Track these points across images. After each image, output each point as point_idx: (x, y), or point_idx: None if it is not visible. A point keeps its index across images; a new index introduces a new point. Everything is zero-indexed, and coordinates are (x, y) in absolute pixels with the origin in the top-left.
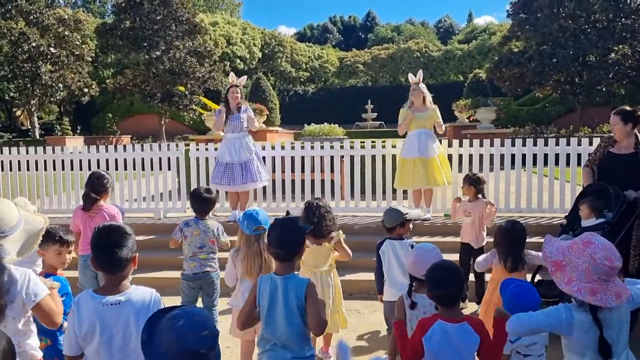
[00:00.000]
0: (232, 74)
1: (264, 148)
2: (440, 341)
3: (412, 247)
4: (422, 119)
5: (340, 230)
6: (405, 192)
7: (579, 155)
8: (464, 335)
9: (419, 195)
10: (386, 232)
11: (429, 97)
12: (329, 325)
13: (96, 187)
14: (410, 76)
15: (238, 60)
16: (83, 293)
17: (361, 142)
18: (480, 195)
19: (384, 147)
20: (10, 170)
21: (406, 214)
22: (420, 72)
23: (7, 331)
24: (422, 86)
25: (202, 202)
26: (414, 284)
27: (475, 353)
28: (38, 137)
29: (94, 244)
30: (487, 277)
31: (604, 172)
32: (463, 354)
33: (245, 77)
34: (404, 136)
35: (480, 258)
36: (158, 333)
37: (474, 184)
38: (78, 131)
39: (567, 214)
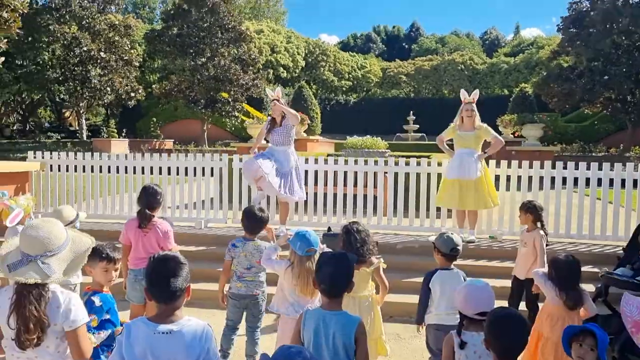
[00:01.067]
0: (268, 90)
1: (306, 161)
2: None
3: (464, 279)
4: (467, 139)
5: (381, 258)
6: (449, 210)
7: (635, 181)
8: None
9: (462, 215)
10: (433, 253)
11: (478, 117)
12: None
13: (152, 203)
14: (463, 93)
15: (281, 69)
16: (136, 319)
17: (406, 160)
18: (539, 224)
19: (429, 164)
20: (59, 171)
21: (457, 247)
22: (476, 92)
23: (48, 352)
24: (474, 106)
25: (254, 220)
26: (463, 322)
27: None
28: (85, 139)
29: (149, 274)
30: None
31: None
32: None
33: (279, 89)
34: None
35: (539, 271)
36: None
37: (530, 211)
38: (123, 134)
39: (624, 246)
